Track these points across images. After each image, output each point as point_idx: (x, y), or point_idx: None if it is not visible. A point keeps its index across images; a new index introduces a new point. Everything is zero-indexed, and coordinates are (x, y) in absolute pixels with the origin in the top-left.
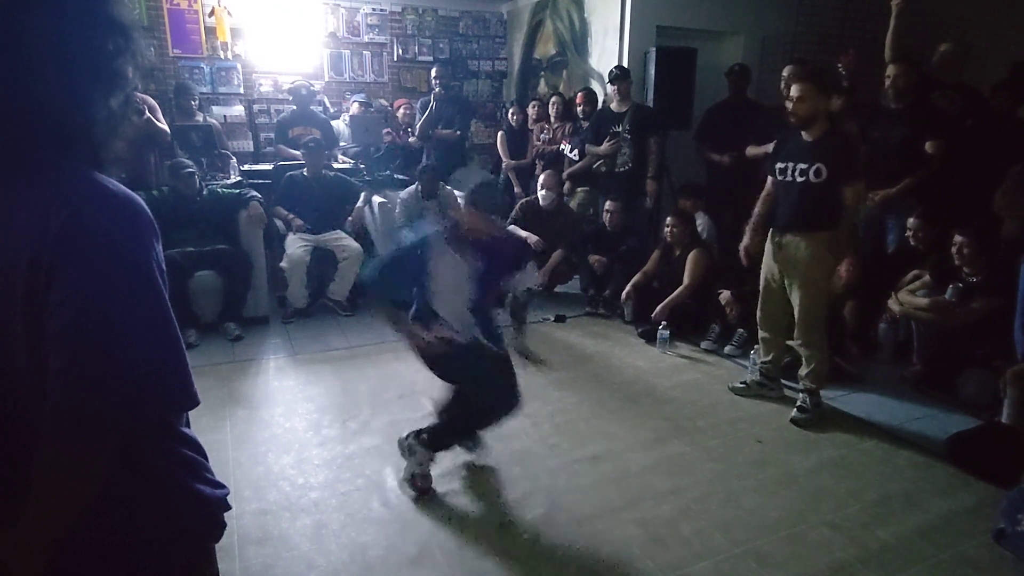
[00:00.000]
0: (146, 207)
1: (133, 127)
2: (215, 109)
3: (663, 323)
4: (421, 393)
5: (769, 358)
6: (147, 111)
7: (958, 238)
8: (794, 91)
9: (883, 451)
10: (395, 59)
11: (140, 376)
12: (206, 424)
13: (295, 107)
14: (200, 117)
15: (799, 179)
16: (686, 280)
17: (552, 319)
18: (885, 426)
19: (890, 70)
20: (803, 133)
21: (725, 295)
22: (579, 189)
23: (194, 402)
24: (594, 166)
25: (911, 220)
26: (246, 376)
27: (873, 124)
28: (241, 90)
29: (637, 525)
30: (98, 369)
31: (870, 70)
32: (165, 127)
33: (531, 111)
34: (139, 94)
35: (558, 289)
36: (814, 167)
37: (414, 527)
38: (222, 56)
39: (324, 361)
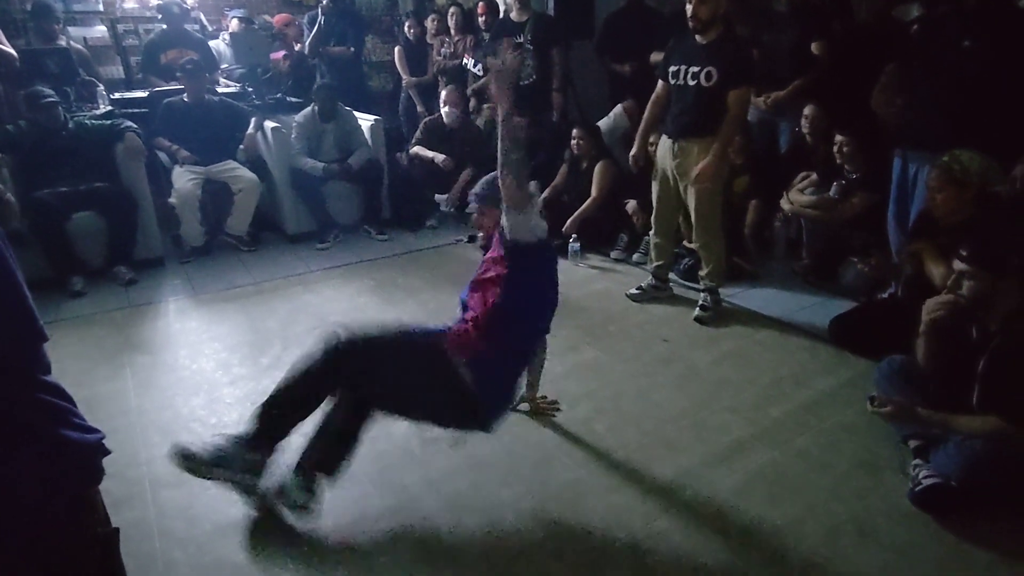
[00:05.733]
0: None
1: None
2: (72, 31)
3: (573, 236)
4: (333, 324)
5: (662, 262)
6: None
7: (839, 137)
8: None
9: (775, 339)
10: None
11: None
12: (103, 374)
13: (165, 27)
14: (63, 41)
15: (691, 82)
16: (593, 192)
17: (465, 240)
18: (777, 317)
19: None
20: (697, 36)
21: (631, 205)
22: (485, 106)
23: (42, 336)
24: None
25: (808, 108)
26: (144, 321)
27: (763, 27)
28: (100, 7)
29: (553, 427)
30: None
31: None
32: (11, 50)
33: (429, 24)
34: None
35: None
36: (705, 70)
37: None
38: None
39: (229, 299)
